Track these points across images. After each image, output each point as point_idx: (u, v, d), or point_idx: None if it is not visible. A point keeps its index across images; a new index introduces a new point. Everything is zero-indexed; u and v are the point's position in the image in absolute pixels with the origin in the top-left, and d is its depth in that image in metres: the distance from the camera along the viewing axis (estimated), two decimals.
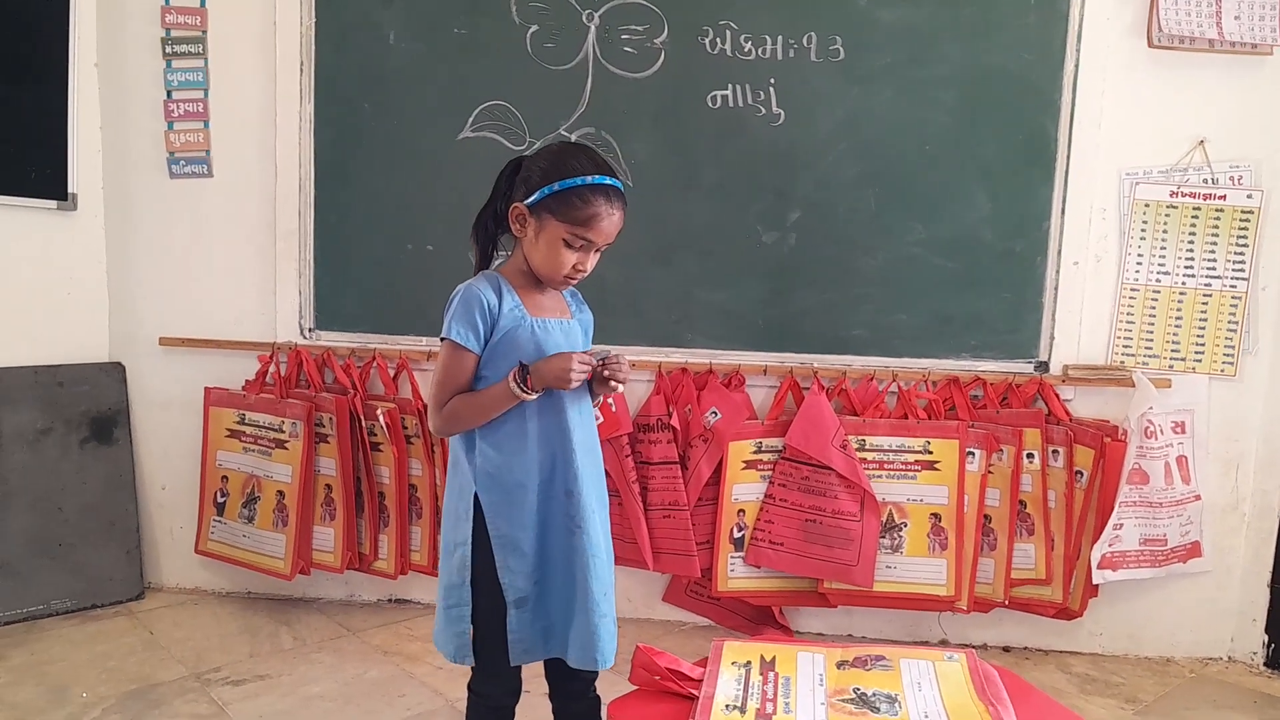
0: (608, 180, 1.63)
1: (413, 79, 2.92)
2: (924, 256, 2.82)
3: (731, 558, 2.82)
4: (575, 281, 1.70)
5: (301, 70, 2.95)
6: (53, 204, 2.98)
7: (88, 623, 2.91)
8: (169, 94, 3.01)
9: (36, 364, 2.99)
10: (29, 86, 2.92)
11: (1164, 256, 2.77)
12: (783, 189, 2.85)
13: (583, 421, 1.71)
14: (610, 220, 1.64)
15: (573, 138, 2.83)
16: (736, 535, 2.81)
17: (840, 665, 1.61)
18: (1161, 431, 2.71)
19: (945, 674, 1.58)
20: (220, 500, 3.07)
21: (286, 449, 2.95)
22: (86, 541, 3.03)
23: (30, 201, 2.95)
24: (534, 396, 1.61)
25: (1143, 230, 2.77)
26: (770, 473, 2.80)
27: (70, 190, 3.00)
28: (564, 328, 1.72)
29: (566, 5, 2.83)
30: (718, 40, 2.81)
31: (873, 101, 2.80)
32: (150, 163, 3.05)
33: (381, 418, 2.87)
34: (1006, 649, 2.91)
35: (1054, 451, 2.73)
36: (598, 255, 1.69)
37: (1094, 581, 2.72)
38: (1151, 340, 2.78)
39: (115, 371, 3.14)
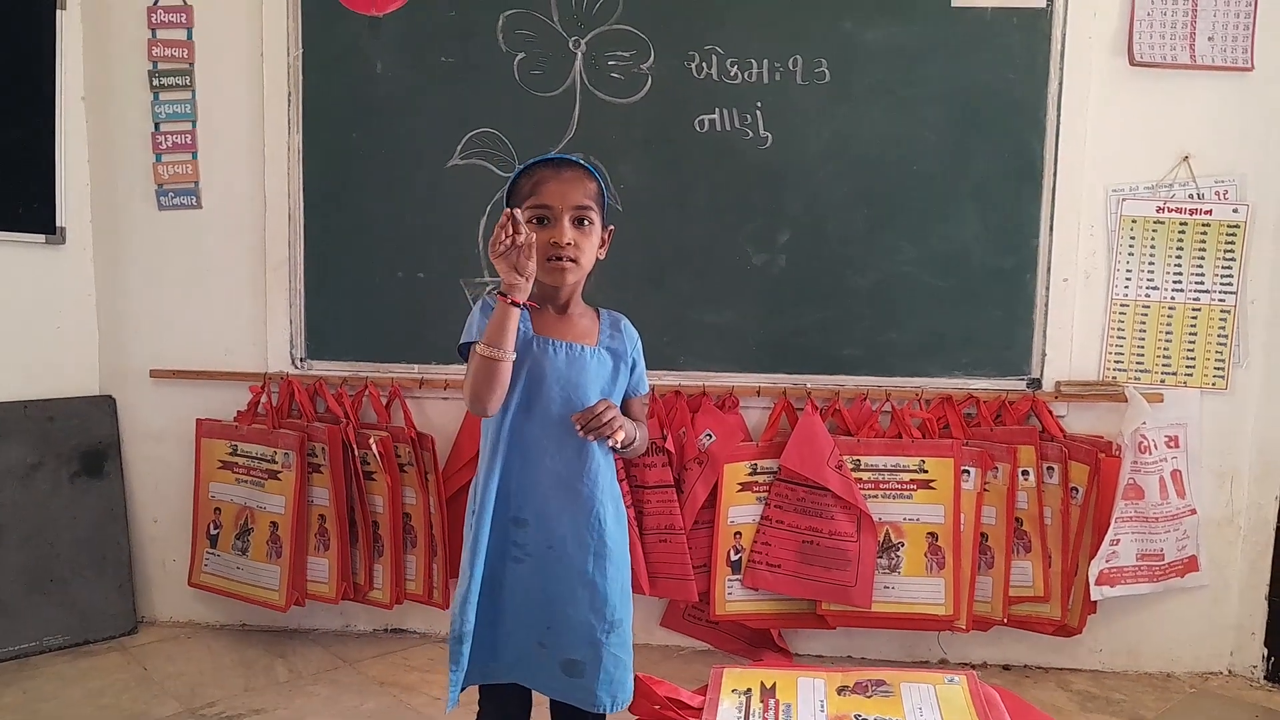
0: (548, 155, 1.68)
1: (401, 107, 2.92)
2: (915, 275, 2.83)
3: (729, 581, 2.80)
4: (568, 266, 1.63)
5: (289, 100, 2.95)
6: (41, 238, 2.98)
7: (80, 659, 2.88)
8: (157, 126, 3.01)
9: (27, 398, 2.97)
10: (16, 121, 2.92)
11: (1153, 271, 2.78)
12: (773, 210, 2.86)
13: (564, 453, 1.64)
14: (559, 180, 1.63)
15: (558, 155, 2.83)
16: (733, 558, 2.80)
17: (841, 691, 1.61)
18: (1155, 446, 2.72)
19: (946, 698, 1.58)
20: (213, 532, 3.05)
21: (279, 479, 2.93)
22: (79, 576, 3.00)
23: (19, 236, 2.94)
24: (516, 298, 1.53)
25: (1131, 246, 2.78)
26: (766, 494, 2.79)
27: (59, 224, 3.00)
28: (574, 352, 1.66)
29: (553, 32, 2.85)
30: (704, 65, 2.82)
31: (860, 122, 2.81)
32: (139, 195, 3.05)
33: (374, 447, 2.85)
34: (1006, 667, 2.90)
35: (1049, 468, 2.73)
36: (586, 228, 1.64)
37: (1092, 598, 2.72)
38: (1143, 355, 2.79)
39: (106, 405, 3.12)
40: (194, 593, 3.09)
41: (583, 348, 1.68)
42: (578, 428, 1.60)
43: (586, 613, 1.63)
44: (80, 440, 3.06)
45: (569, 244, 1.62)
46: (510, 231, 1.49)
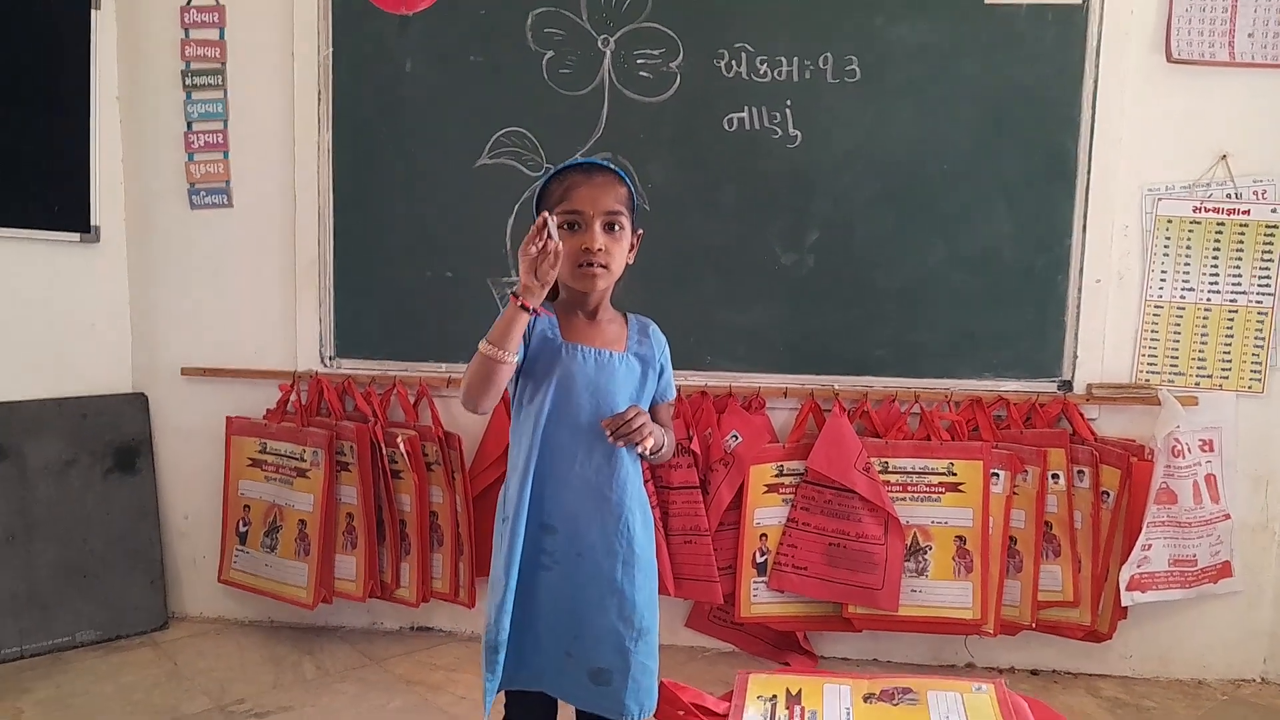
0: (577, 161, 1.67)
1: (430, 106, 2.93)
2: (945, 275, 2.80)
3: (754, 583, 2.79)
4: (599, 272, 1.61)
5: (319, 99, 2.97)
6: (76, 236, 3.01)
7: (112, 654, 2.92)
8: (189, 125, 3.04)
9: (61, 396, 3.01)
10: (51, 120, 2.96)
11: (1188, 273, 2.73)
12: (801, 209, 2.84)
13: (593, 460, 1.64)
14: (591, 185, 1.61)
15: (589, 159, 2.82)
16: (759, 560, 2.79)
17: (867, 699, 1.59)
18: (1189, 450, 2.67)
19: (974, 707, 1.56)
20: (242, 530, 3.07)
21: (308, 478, 2.95)
22: (111, 572, 3.04)
23: (54, 235, 2.98)
24: (528, 302, 1.51)
25: (1166, 246, 2.74)
26: (792, 496, 2.78)
27: (93, 223, 3.03)
28: (602, 358, 1.65)
29: (582, 31, 2.84)
30: (733, 63, 2.81)
31: (890, 120, 2.79)
32: (171, 194, 3.07)
33: (402, 445, 2.87)
34: (1035, 672, 2.87)
35: (1079, 472, 2.70)
36: (617, 234, 1.63)
37: (1123, 603, 2.68)
38: (1177, 357, 2.75)
39: (138, 402, 3.16)
40: (224, 589, 3.12)
41: (611, 354, 1.67)
42: (608, 433, 1.59)
43: (615, 621, 1.62)
44: (113, 437, 3.09)
45: (600, 250, 1.60)
46: (543, 239, 1.48)
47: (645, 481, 2.77)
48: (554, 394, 1.62)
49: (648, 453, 1.63)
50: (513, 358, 1.54)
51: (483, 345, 1.54)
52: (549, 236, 1.49)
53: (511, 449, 1.69)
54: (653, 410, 1.74)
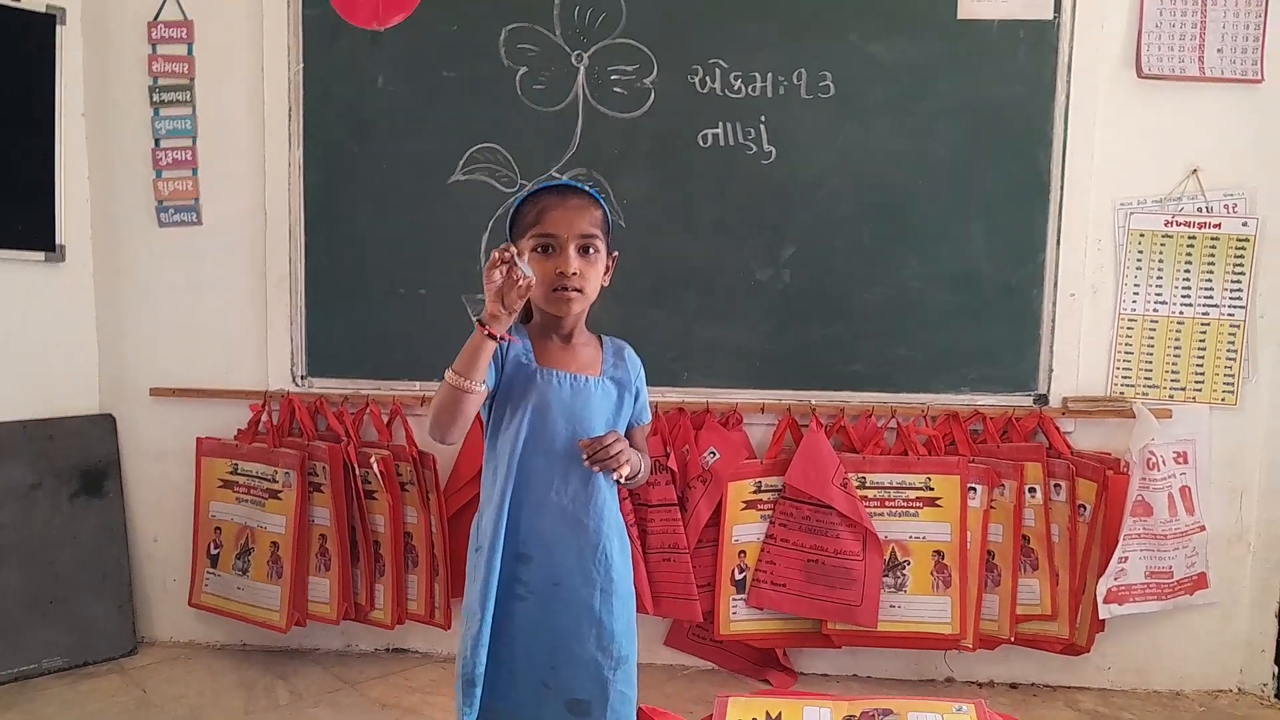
0: (552, 183, 1.66)
1: (402, 122, 2.90)
2: (922, 290, 2.80)
3: (734, 600, 2.78)
4: (574, 296, 1.59)
5: (290, 116, 2.93)
6: (41, 255, 2.96)
7: (80, 681, 2.86)
8: (157, 142, 2.99)
9: (26, 418, 2.95)
10: (16, 137, 2.90)
11: (1161, 286, 2.75)
12: (777, 225, 2.83)
13: (570, 486, 1.62)
14: (564, 208, 1.59)
15: (564, 178, 2.81)
16: (738, 577, 2.78)
17: None
18: (1164, 462, 2.69)
19: None
20: (214, 552, 3.02)
21: (280, 499, 2.91)
22: (79, 596, 2.98)
23: (18, 254, 2.93)
24: (494, 330, 1.48)
25: (1139, 260, 2.75)
26: (771, 513, 2.76)
27: (58, 241, 2.98)
28: (578, 383, 1.63)
29: (555, 47, 2.83)
30: (708, 79, 2.80)
31: (865, 137, 2.79)
32: (139, 212, 3.02)
33: (375, 466, 2.83)
34: (1014, 686, 2.87)
35: (1056, 485, 2.70)
36: (592, 257, 1.61)
37: (1100, 616, 2.69)
38: (1151, 370, 2.76)
39: (105, 423, 3.10)
40: (194, 613, 3.06)
41: (587, 378, 1.66)
42: (584, 457, 1.57)
43: (593, 650, 1.60)
44: (80, 459, 3.03)
45: (575, 274, 1.59)
46: (508, 268, 1.45)
47: (623, 500, 2.77)
48: (529, 421, 1.60)
49: (624, 479, 1.61)
50: (480, 387, 1.51)
51: (449, 374, 1.51)
52: (514, 265, 1.46)
53: (485, 477, 1.66)
54: (628, 434, 1.72)
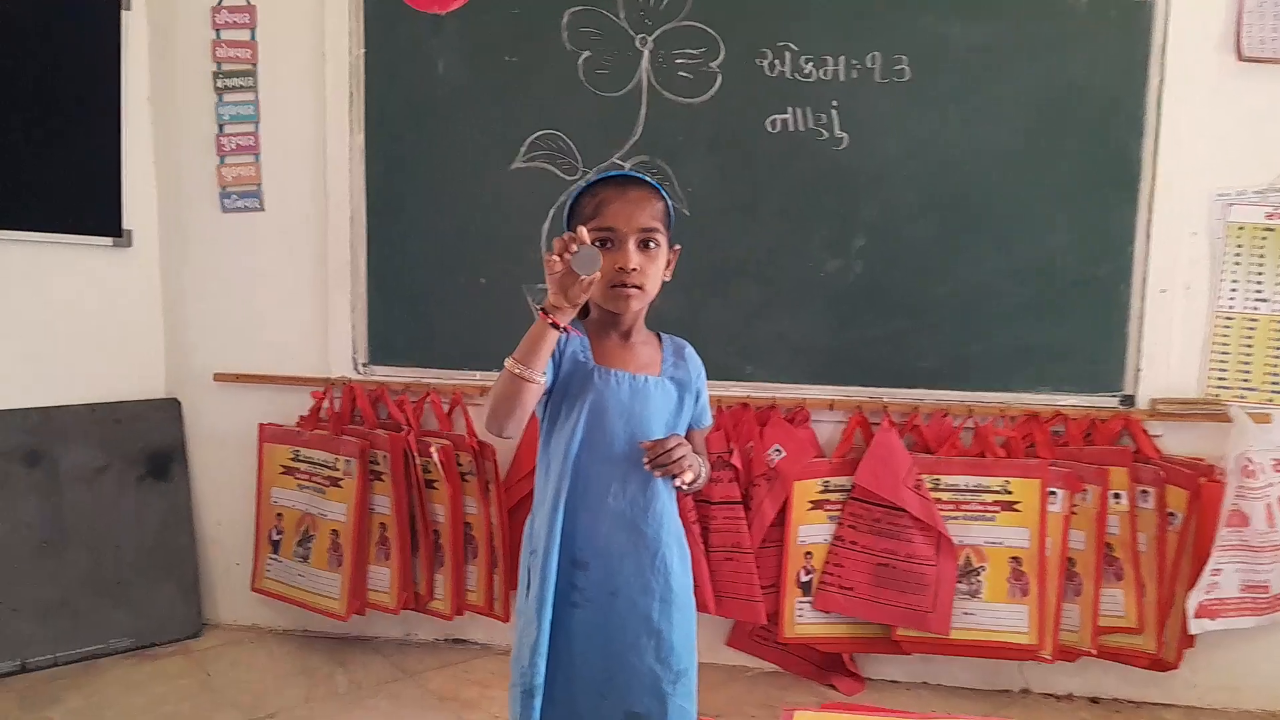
0: (611, 174, 1.58)
1: (463, 108, 2.85)
2: (999, 283, 2.67)
3: (799, 602, 2.69)
4: (633, 293, 1.52)
5: (351, 101, 2.90)
6: (108, 241, 2.98)
7: (145, 662, 2.89)
8: (220, 128, 2.98)
9: (94, 401, 2.98)
10: (83, 123, 2.92)
11: (1260, 282, 2.58)
12: (847, 215, 2.72)
13: (628, 491, 1.55)
14: (624, 200, 1.52)
15: (627, 166, 2.73)
16: (804, 579, 2.69)
17: None
18: (1262, 470, 2.52)
19: None
20: (275, 538, 3.03)
21: (340, 487, 2.90)
22: (144, 579, 3.01)
23: (86, 239, 2.95)
24: (558, 320, 1.41)
25: (1237, 254, 2.58)
26: (839, 513, 2.67)
27: (125, 227, 2.99)
28: (637, 383, 1.56)
29: (619, 30, 2.74)
30: (776, 62, 2.69)
31: (942, 122, 2.66)
32: (203, 198, 3.02)
33: (436, 455, 2.80)
34: (1095, 700, 2.73)
35: (1143, 492, 2.56)
36: (652, 251, 1.54)
37: (1190, 631, 2.54)
38: (1249, 372, 2.60)
39: (171, 408, 3.12)
40: (258, 597, 3.08)
41: (646, 378, 1.58)
42: (645, 460, 1.50)
43: (652, 662, 1.54)
44: (146, 443, 3.06)
45: (634, 269, 1.51)
46: (568, 256, 1.38)
47: (683, 496, 2.70)
48: (586, 421, 1.53)
49: (685, 486, 1.54)
50: (541, 377, 1.44)
51: (509, 363, 1.44)
52: (577, 254, 1.38)
53: (539, 478, 1.60)
54: (688, 437, 1.64)
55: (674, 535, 1.59)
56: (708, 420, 1.73)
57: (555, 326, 1.42)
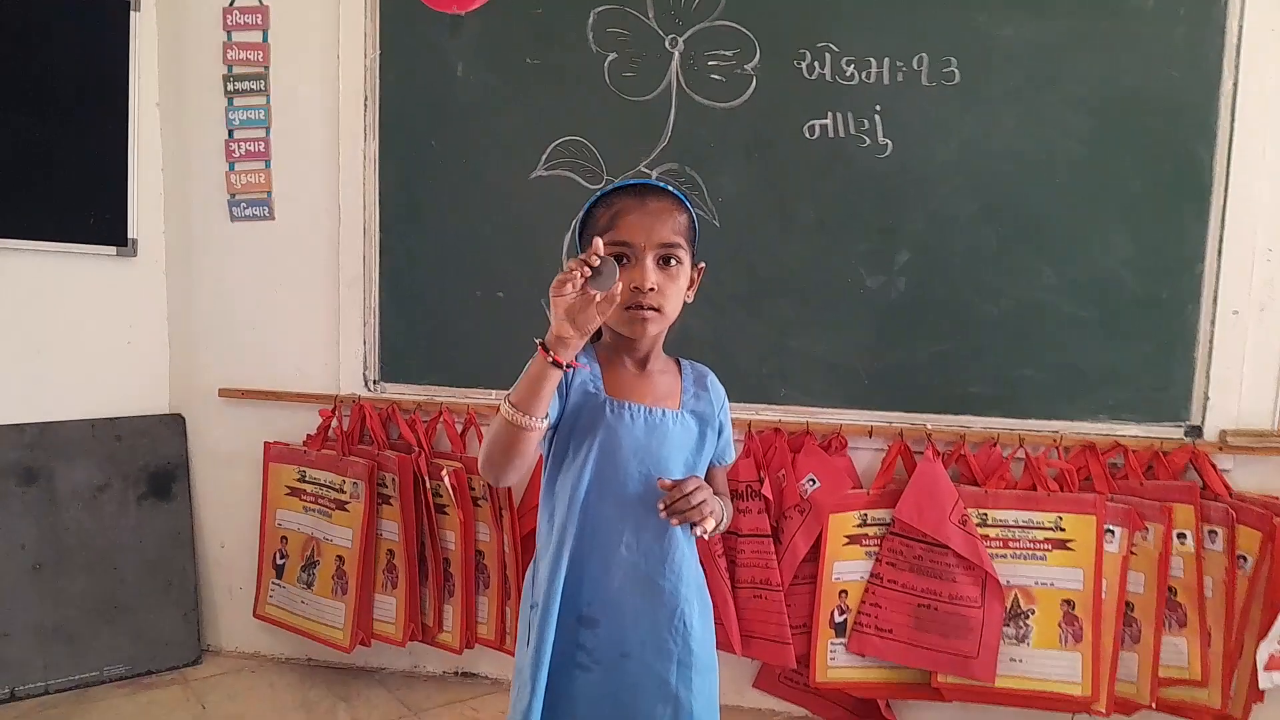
0: (629, 182, 1.40)
1: (483, 113, 2.71)
2: (1054, 303, 2.48)
3: (832, 644, 2.50)
4: (650, 316, 1.36)
5: (366, 105, 2.76)
6: (112, 250, 2.86)
7: (140, 692, 2.75)
8: (230, 133, 2.86)
9: (95, 417, 2.86)
10: (90, 127, 2.81)
11: None
12: (890, 227, 2.54)
13: (642, 540, 1.37)
14: (642, 212, 1.35)
15: (654, 175, 2.57)
16: (838, 619, 2.50)
17: None
18: None
19: None
20: (279, 562, 2.88)
21: (347, 510, 2.75)
22: (143, 603, 2.88)
23: (90, 248, 2.83)
24: (561, 357, 1.24)
25: None
26: (877, 549, 2.48)
27: (130, 236, 2.87)
28: (653, 419, 1.39)
29: (648, 31, 2.59)
30: (815, 64, 2.52)
31: (994, 129, 2.48)
32: (212, 205, 2.90)
33: (447, 479, 2.64)
34: None
35: (1211, 532, 2.35)
36: (673, 269, 1.36)
37: (1260, 685, 2.32)
38: None
39: (175, 424, 2.99)
40: (260, 623, 2.93)
41: (664, 412, 1.41)
42: (661, 507, 1.32)
43: None
44: (148, 461, 2.93)
45: (652, 289, 1.34)
46: (580, 276, 1.20)
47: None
48: (595, 460, 1.36)
49: (707, 534, 1.36)
50: (542, 423, 1.27)
51: (504, 407, 1.27)
52: (597, 272, 1.20)
53: (541, 522, 1.43)
54: (709, 474, 1.47)
55: (694, 588, 1.42)
56: (730, 457, 1.55)
57: (557, 365, 1.24)
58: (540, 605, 1.36)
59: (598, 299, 1.21)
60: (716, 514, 1.36)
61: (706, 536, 1.37)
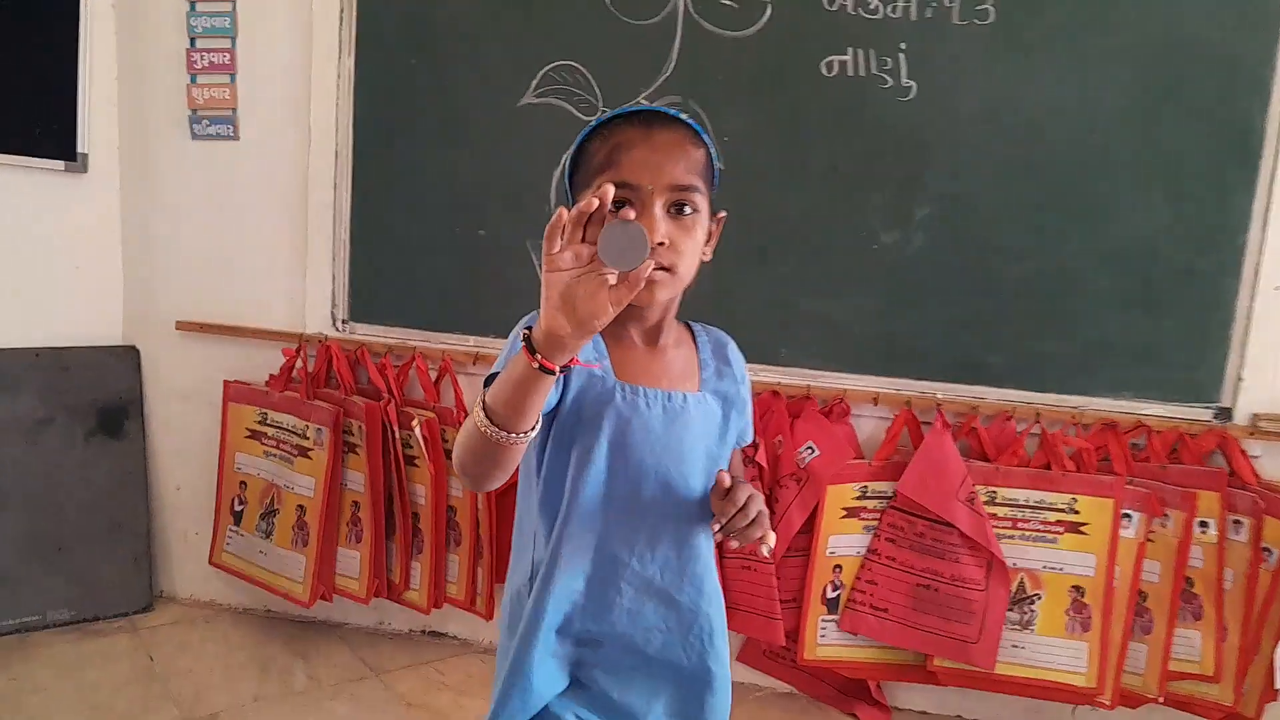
0: (632, 108, 1.11)
1: (468, 33, 2.48)
2: (1082, 270, 2.30)
3: (823, 621, 2.36)
4: (660, 278, 1.07)
5: (341, 19, 2.52)
6: (60, 165, 2.62)
7: (85, 639, 2.59)
8: (192, 42, 2.61)
9: (38, 345, 2.65)
10: (35, 29, 2.55)
11: None
12: (909, 179, 2.35)
13: (658, 552, 1.15)
14: (649, 146, 1.06)
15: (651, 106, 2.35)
16: (830, 595, 2.35)
17: None
18: None
19: None
20: (238, 508, 2.70)
21: (310, 458, 2.57)
22: (89, 546, 2.69)
23: (35, 161, 2.60)
24: (552, 361, 0.91)
25: None
26: (876, 524, 2.32)
27: (80, 150, 2.63)
28: (672, 405, 1.14)
29: None
30: None
31: (1028, 76, 2.27)
32: (171, 121, 2.66)
33: (418, 429, 2.45)
34: None
35: (1236, 522, 2.21)
36: (688, 219, 1.08)
37: (1275, 684, 2.19)
38: None
39: (129, 357, 2.78)
40: (216, 570, 2.76)
41: (685, 396, 1.16)
42: (715, 528, 1.09)
43: None
44: (98, 395, 2.73)
45: (662, 244, 1.06)
46: (578, 239, 0.89)
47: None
48: (604, 458, 1.11)
49: (767, 552, 1.11)
50: (523, 439, 0.98)
51: (477, 414, 0.97)
52: (613, 237, 0.87)
53: (522, 522, 1.20)
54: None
55: (714, 601, 1.20)
56: (750, 437, 1.29)
57: (547, 370, 0.92)
58: (524, 626, 1.14)
59: (612, 281, 0.89)
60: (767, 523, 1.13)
61: (768, 553, 1.13)
